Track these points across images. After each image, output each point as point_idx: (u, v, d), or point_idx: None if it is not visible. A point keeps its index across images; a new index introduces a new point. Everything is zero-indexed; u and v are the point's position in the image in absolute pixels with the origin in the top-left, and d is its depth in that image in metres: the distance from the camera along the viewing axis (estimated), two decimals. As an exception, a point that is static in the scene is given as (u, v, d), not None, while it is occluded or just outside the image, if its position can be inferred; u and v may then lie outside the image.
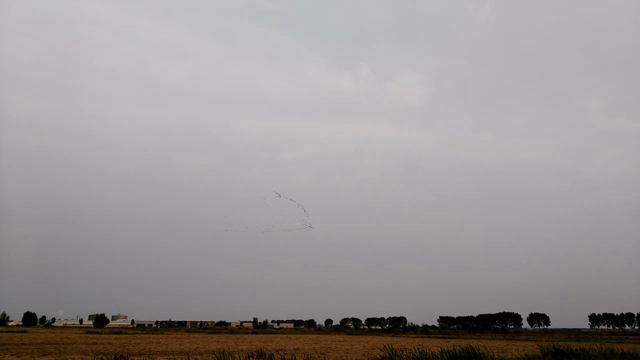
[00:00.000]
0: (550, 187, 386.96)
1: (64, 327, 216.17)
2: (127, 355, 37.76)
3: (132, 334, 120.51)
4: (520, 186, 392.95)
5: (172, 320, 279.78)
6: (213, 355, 30.37)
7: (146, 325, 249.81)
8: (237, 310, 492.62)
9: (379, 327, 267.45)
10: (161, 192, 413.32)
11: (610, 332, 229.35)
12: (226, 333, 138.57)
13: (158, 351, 52.69)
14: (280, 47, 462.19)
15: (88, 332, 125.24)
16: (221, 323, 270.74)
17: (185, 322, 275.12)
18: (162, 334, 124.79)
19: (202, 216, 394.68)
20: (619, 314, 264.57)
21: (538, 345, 48.25)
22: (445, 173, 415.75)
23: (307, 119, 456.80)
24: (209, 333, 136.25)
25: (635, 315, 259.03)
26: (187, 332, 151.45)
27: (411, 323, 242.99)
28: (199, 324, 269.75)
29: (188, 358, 30.40)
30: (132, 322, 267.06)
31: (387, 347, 33.18)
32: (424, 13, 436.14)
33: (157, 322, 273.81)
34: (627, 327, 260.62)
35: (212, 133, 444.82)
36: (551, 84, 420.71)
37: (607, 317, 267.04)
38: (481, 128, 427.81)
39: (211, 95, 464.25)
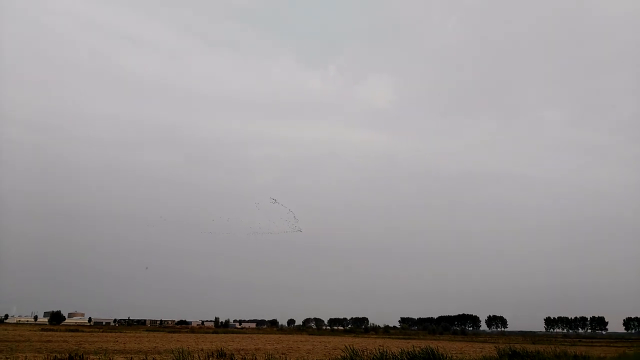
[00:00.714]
0: (508, 194, 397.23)
1: (18, 324, 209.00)
2: (83, 354, 36.76)
3: (89, 332, 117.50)
4: (480, 193, 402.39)
5: (131, 318, 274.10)
6: (172, 355, 29.87)
7: (104, 323, 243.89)
8: (198, 310, 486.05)
9: (342, 328, 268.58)
10: (125, 187, 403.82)
11: (565, 335, 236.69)
12: (186, 332, 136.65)
13: (115, 350, 51.50)
14: (250, 45, 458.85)
15: (43, 330, 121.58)
16: (182, 322, 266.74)
17: (145, 320, 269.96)
18: (120, 332, 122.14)
19: (162, 213, 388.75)
20: (573, 317, 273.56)
21: (495, 347, 49.32)
22: (410, 178, 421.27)
23: (276, 118, 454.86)
24: (169, 332, 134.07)
25: (588, 319, 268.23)
26: (146, 330, 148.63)
27: (373, 324, 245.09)
28: (158, 322, 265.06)
29: (146, 357, 29.79)
30: (90, 320, 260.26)
31: (348, 347, 33.33)
32: (393, 18, 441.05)
33: (115, 321, 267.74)
34: (581, 330, 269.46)
35: (177, 129, 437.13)
36: (512, 94, 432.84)
37: (562, 321, 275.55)
38: (445, 135, 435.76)
39: (178, 91, 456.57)
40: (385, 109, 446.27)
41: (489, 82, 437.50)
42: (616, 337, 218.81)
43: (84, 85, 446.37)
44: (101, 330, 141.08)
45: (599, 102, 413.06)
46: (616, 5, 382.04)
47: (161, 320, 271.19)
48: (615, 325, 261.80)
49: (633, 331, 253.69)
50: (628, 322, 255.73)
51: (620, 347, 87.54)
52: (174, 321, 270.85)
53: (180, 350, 31.36)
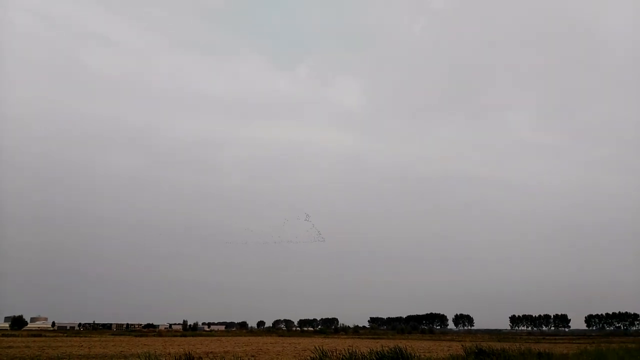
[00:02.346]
0: (476, 194, 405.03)
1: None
2: (45, 360, 35.80)
3: (52, 336, 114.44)
4: (448, 193, 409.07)
5: (96, 322, 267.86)
6: (138, 359, 29.36)
7: (68, 328, 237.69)
8: (166, 313, 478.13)
9: (312, 329, 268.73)
10: (88, 188, 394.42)
11: (529, 333, 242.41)
12: (154, 336, 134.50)
13: (80, 355, 50.34)
14: (218, 45, 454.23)
15: (4, 335, 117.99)
16: (149, 326, 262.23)
17: (111, 324, 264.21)
18: (85, 337, 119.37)
19: (127, 214, 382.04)
20: (537, 315, 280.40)
21: (462, 346, 50.17)
22: (379, 179, 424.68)
23: (245, 119, 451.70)
24: (136, 336, 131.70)
25: (552, 317, 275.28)
26: (112, 335, 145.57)
27: (343, 324, 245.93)
28: (125, 326, 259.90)
29: (112, 362, 29.23)
30: (53, 324, 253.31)
31: (317, 348, 33.39)
32: (362, 21, 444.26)
33: (80, 325, 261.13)
34: (544, 328, 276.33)
35: (144, 130, 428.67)
36: (478, 97, 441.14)
37: (527, 319, 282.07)
38: (413, 137, 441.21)
39: (144, 90, 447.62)
40: (354, 110, 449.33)
41: (456, 84, 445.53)
42: (578, 334, 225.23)
43: (46, 84, 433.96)
44: (65, 335, 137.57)
45: (563, 105, 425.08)
46: (580, 10, 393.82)
47: (128, 324, 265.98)
48: (577, 323, 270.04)
49: (594, 328, 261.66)
50: (589, 320, 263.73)
51: (582, 343, 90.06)
52: (141, 325, 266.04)
53: (147, 354, 30.87)
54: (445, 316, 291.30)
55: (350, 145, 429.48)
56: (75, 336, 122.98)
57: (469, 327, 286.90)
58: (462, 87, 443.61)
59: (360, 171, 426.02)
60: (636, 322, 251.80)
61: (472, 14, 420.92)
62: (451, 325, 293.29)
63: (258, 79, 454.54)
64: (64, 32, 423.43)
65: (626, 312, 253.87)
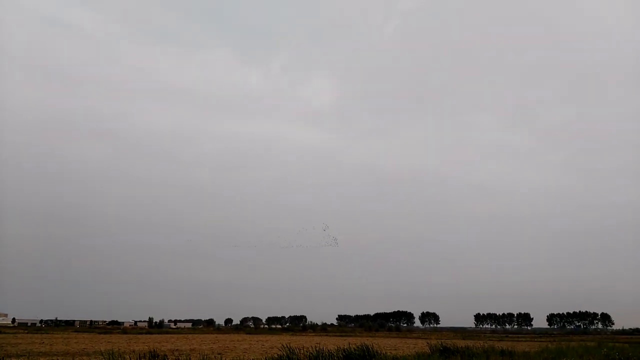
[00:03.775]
0: (443, 193, 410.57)
1: None
2: (4, 357, 34.80)
3: (12, 333, 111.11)
4: (416, 192, 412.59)
5: (58, 319, 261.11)
6: (101, 357, 28.79)
7: (29, 324, 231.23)
8: (131, 310, 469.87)
9: (280, 326, 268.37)
10: (52, 182, 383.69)
11: (493, 331, 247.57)
12: (118, 333, 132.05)
13: (41, 352, 49.04)
14: (188, 38, 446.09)
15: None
16: (113, 322, 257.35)
17: (74, 321, 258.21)
18: (47, 333, 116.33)
19: (92, 208, 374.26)
20: (500, 314, 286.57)
21: (427, 343, 50.95)
22: (349, 176, 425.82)
23: (213, 113, 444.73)
24: (100, 333, 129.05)
25: (515, 315, 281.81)
26: (75, 331, 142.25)
27: (311, 322, 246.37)
28: (88, 323, 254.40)
29: (73, 359, 28.56)
30: (13, 320, 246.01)
31: (285, 346, 33.37)
32: (335, 19, 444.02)
33: (42, 321, 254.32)
34: (508, 326, 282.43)
35: (108, 121, 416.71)
36: (445, 98, 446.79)
37: (491, 317, 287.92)
38: (384, 135, 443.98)
39: (108, 81, 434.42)
40: (325, 107, 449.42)
41: (425, 85, 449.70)
42: (540, 332, 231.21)
43: (6, 70, 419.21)
44: (26, 331, 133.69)
45: (527, 108, 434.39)
46: (553, 14, 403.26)
47: (91, 321, 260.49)
48: (540, 322, 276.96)
49: (555, 327, 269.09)
50: (551, 318, 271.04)
51: (544, 341, 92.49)
52: (105, 322, 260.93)
53: (111, 351, 30.29)
54: (412, 314, 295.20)
55: (320, 141, 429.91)
56: (36, 333, 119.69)
57: (435, 325, 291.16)
58: (431, 87, 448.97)
59: (329, 167, 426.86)
60: (595, 321, 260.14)
61: (443, 16, 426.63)
62: (418, 323, 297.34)
63: (229, 73, 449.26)
64: (26, 17, 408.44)
65: (586, 312, 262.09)
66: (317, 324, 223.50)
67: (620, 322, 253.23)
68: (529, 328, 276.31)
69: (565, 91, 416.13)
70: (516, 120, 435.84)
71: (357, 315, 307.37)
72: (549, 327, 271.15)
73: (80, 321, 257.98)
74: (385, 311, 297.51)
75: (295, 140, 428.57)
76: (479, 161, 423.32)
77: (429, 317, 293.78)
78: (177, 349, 56.65)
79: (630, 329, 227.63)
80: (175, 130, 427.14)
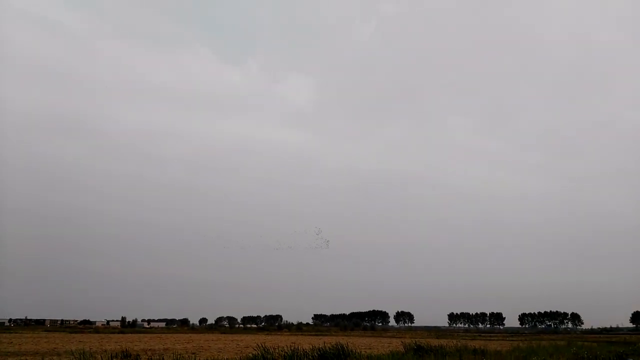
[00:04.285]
0: (421, 195, 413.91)
1: None
2: (-30, 358, 33.91)
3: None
4: (395, 193, 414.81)
5: (28, 318, 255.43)
6: (72, 356, 28.28)
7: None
8: (104, 309, 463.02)
9: (255, 326, 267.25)
10: (20, 180, 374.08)
11: (466, 330, 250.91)
12: (90, 332, 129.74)
13: (9, 352, 47.89)
14: (164, 34, 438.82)
15: None
16: (85, 322, 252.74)
17: (44, 320, 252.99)
18: (17, 333, 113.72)
19: (66, 207, 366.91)
20: (474, 313, 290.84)
21: (402, 342, 51.38)
22: (326, 177, 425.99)
23: (190, 112, 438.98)
24: (71, 332, 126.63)
25: (488, 315, 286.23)
26: (46, 331, 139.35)
27: (287, 321, 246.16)
28: (59, 322, 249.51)
29: (43, 359, 27.98)
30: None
31: (260, 345, 33.26)
32: (314, 20, 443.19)
33: (10, 320, 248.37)
34: (480, 325, 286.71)
35: (81, 118, 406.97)
36: (422, 101, 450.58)
37: (464, 316, 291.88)
38: (360, 137, 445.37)
39: (82, 77, 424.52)
40: (303, 108, 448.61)
41: (402, 87, 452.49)
42: (512, 331, 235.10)
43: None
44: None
45: (502, 113, 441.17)
46: (525, 21, 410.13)
47: (62, 320, 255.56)
48: (512, 321, 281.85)
49: (527, 326, 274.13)
50: (523, 318, 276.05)
51: (515, 340, 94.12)
52: (76, 321, 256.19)
53: (82, 351, 29.77)
54: (387, 313, 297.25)
55: (298, 141, 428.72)
56: (4, 332, 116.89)
57: (410, 324, 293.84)
58: (408, 90, 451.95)
59: (307, 168, 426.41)
60: (565, 321, 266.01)
61: (421, 20, 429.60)
62: (392, 322, 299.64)
63: (207, 72, 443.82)
64: None
65: (557, 311, 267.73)
66: (292, 323, 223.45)
67: (590, 322, 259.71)
68: (501, 327, 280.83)
69: (541, 97, 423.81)
70: (492, 124, 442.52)
71: (332, 315, 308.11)
72: (520, 326, 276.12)
73: (51, 320, 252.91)
74: (361, 310, 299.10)
75: (273, 140, 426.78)
76: (455, 164, 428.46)
77: (404, 316, 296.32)
78: (150, 349, 55.97)
79: (599, 328, 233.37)
80: (152, 128, 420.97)
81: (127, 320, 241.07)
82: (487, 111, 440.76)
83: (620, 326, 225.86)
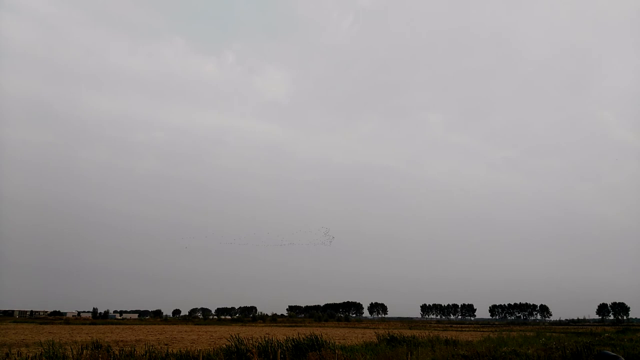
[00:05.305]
0: (397, 187, 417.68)
1: None
2: None
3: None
4: (364, 186, 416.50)
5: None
6: (41, 348, 27.71)
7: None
8: (75, 300, 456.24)
9: (229, 317, 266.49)
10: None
11: (438, 321, 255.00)
12: (60, 324, 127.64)
13: (-26, 344, 46.76)
14: (140, 24, 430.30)
15: None
16: (55, 313, 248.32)
17: (13, 311, 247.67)
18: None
19: (36, 196, 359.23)
20: (445, 304, 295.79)
21: (375, 333, 51.87)
22: (302, 170, 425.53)
23: (164, 101, 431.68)
24: (40, 324, 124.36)
25: (459, 306, 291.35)
26: (14, 322, 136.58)
27: (261, 312, 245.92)
28: (28, 313, 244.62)
29: (10, 351, 27.36)
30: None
31: (234, 336, 33.12)
32: (292, 11, 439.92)
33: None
34: (452, 316, 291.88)
35: (51, 106, 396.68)
36: (398, 96, 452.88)
37: (436, 308, 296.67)
38: (335, 130, 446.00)
39: (54, 63, 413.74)
40: (279, 100, 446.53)
41: (378, 82, 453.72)
42: (482, 322, 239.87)
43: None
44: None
45: (475, 109, 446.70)
46: (499, 20, 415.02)
47: (32, 311, 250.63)
48: (482, 312, 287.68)
49: (497, 317, 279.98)
50: (493, 309, 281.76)
51: (486, 331, 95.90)
52: (46, 312, 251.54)
53: (51, 342, 29.19)
54: (361, 304, 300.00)
55: (273, 134, 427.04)
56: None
57: (383, 315, 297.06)
58: (384, 85, 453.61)
59: (283, 160, 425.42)
60: (535, 312, 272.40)
61: (398, 16, 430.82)
62: (366, 313, 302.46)
63: (182, 61, 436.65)
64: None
65: (526, 303, 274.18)
66: (267, 314, 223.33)
67: (558, 314, 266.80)
68: (472, 318, 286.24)
69: (511, 94, 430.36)
70: (465, 120, 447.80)
71: (307, 306, 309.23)
72: (491, 317, 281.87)
73: (20, 311, 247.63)
74: (335, 302, 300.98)
75: (247, 131, 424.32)
76: (429, 159, 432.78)
77: (378, 307, 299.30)
78: (122, 340, 55.30)
79: (567, 319, 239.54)
80: (124, 116, 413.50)
81: (98, 312, 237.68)
82: (462, 107, 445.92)
83: (587, 318, 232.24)
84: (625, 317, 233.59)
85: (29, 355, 25.57)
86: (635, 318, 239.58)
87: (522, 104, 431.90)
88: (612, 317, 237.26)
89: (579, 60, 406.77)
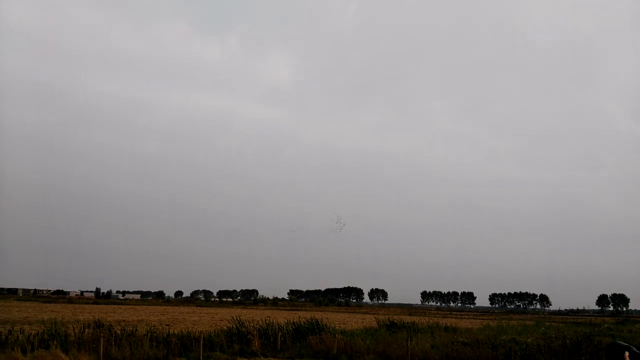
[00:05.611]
0: (390, 176, 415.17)
1: None
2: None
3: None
4: (373, 172, 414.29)
5: (0, 287, 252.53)
6: (43, 325, 27.96)
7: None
8: (78, 279, 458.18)
9: (231, 300, 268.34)
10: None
11: (438, 308, 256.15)
12: (63, 302, 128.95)
13: (-22, 320, 47.29)
14: (141, 4, 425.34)
15: None
16: (59, 292, 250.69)
17: (17, 289, 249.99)
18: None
19: (37, 175, 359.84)
20: (446, 292, 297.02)
21: (375, 318, 52.15)
22: (305, 155, 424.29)
23: (166, 84, 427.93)
24: (44, 302, 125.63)
25: (459, 294, 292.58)
26: (18, 300, 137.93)
27: (262, 296, 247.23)
28: (32, 292, 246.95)
29: (12, 328, 27.62)
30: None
31: (235, 318, 33.33)
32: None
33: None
34: (452, 304, 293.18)
35: (55, 87, 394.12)
36: (403, 84, 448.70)
37: (436, 295, 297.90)
38: (338, 116, 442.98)
39: (57, 44, 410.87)
40: (284, 86, 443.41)
41: (383, 69, 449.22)
42: (482, 310, 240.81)
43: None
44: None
45: (479, 99, 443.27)
46: (508, 10, 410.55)
47: (35, 290, 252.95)
48: (482, 300, 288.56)
49: (497, 305, 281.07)
50: (493, 298, 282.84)
51: (485, 319, 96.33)
52: (50, 291, 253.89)
53: (54, 320, 29.46)
54: (362, 290, 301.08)
55: (276, 118, 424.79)
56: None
57: (383, 301, 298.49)
58: (388, 72, 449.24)
59: (285, 145, 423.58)
60: (534, 302, 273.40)
61: (404, 3, 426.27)
62: (367, 299, 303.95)
63: (183, 44, 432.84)
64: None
65: (526, 292, 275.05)
66: (268, 298, 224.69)
67: (557, 304, 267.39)
68: (472, 306, 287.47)
69: (517, 84, 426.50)
70: (469, 109, 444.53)
71: (308, 290, 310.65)
72: (490, 306, 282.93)
73: (24, 289, 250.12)
74: (336, 287, 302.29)
75: (251, 115, 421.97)
76: (431, 147, 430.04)
77: (378, 293, 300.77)
78: (124, 320, 55.79)
79: (566, 309, 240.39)
80: (126, 97, 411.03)
81: (101, 291, 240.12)
82: (466, 97, 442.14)
83: (586, 308, 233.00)
84: (625, 309, 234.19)
85: (31, 333, 25.81)
86: (635, 310, 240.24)
87: (526, 93, 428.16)
88: (611, 308, 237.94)
89: (584, 50, 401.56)
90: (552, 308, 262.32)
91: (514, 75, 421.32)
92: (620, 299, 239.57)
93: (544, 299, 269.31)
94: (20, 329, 27.40)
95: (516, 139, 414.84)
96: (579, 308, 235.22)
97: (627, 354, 4.85)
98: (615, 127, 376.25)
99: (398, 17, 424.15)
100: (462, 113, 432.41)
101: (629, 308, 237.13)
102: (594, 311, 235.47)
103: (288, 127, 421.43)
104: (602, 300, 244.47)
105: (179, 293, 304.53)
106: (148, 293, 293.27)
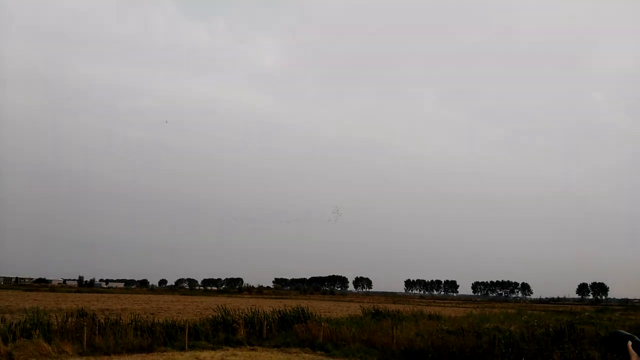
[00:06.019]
0: (376, 163, 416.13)
1: None
2: None
3: None
4: (352, 159, 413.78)
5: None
6: (25, 314, 27.55)
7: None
8: (60, 268, 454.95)
9: (215, 288, 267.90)
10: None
11: (421, 296, 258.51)
12: (46, 291, 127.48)
13: (-42, 309, 46.53)
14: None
15: None
16: (41, 280, 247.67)
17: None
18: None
19: (25, 159, 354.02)
20: (429, 280, 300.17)
21: (360, 306, 52.41)
22: (292, 141, 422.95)
23: (154, 68, 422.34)
24: (26, 290, 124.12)
25: (442, 282, 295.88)
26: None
27: (247, 284, 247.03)
28: (14, 280, 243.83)
29: (-6, 317, 27.20)
30: None
31: (220, 307, 33.18)
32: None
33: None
34: (435, 292, 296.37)
35: (37, 69, 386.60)
36: (392, 70, 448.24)
37: (420, 283, 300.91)
38: (325, 103, 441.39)
39: (41, 27, 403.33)
40: (271, 71, 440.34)
41: (372, 56, 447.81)
42: (465, 299, 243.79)
43: None
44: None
45: (467, 87, 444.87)
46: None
47: (17, 278, 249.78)
48: (465, 289, 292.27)
49: (479, 294, 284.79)
50: (475, 286, 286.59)
51: (468, 307, 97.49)
52: (32, 279, 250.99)
53: (36, 309, 29.03)
54: (346, 278, 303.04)
55: (263, 105, 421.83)
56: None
57: (368, 290, 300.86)
58: (376, 58, 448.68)
59: (271, 132, 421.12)
60: (516, 290, 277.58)
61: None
62: (351, 287, 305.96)
63: (170, 27, 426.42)
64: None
65: (508, 281, 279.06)
66: (253, 286, 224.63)
67: (538, 292, 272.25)
68: (454, 295, 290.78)
69: (503, 73, 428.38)
70: (458, 96, 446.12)
71: (293, 279, 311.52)
72: (473, 294, 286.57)
73: (5, 278, 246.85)
74: (321, 275, 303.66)
75: (237, 101, 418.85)
76: (419, 134, 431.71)
77: (362, 281, 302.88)
78: (107, 308, 55.32)
79: (547, 298, 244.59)
80: (112, 81, 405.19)
81: (84, 280, 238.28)
82: (454, 84, 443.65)
83: (567, 297, 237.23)
84: (604, 297, 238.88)
85: (12, 322, 25.41)
86: (614, 298, 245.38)
87: (514, 82, 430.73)
88: (591, 297, 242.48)
89: (574, 40, 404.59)
90: (533, 296, 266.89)
91: (501, 63, 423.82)
92: (600, 288, 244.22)
93: (525, 288, 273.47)
94: (2, 318, 26.98)
95: (501, 127, 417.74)
96: (560, 297, 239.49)
97: (630, 343, 4.81)
98: (603, 118, 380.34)
99: (387, 3, 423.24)
100: (449, 100, 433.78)
101: (607, 297, 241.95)
102: (574, 299, 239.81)
103: (273, 114, 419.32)
104: (582, 289, 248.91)
105: (163, 282, 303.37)
106: (132, 281, 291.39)
